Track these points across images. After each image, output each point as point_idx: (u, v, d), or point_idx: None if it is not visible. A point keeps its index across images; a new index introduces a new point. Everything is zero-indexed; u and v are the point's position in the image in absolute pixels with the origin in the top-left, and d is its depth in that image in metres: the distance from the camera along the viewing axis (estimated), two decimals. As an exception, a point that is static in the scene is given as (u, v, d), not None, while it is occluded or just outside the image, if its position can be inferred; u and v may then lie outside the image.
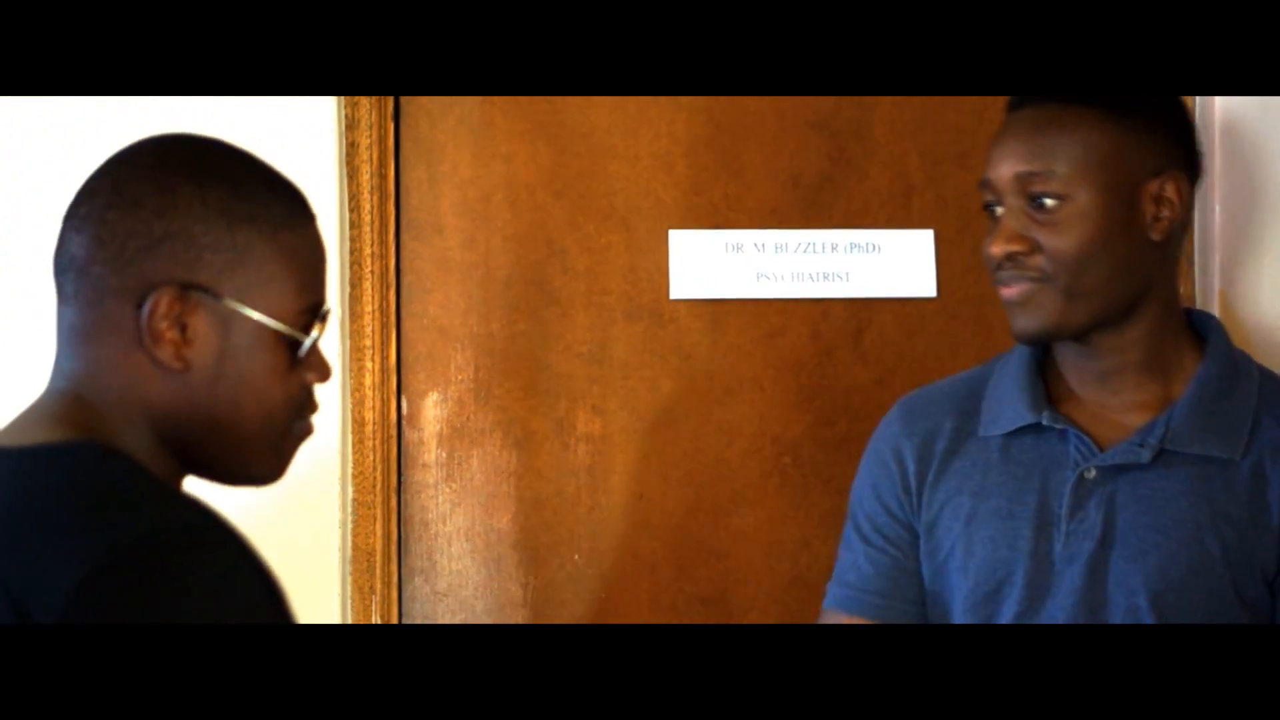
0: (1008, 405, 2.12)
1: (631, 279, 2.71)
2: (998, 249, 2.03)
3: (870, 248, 2.70)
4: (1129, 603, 2.02)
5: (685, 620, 2.69)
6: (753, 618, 2.69)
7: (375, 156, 2.63)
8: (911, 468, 2.16)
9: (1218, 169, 2.57)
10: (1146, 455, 2.04)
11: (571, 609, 2.70)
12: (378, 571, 2.61)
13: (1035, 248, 2.02)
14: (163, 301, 1.51)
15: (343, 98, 2.61)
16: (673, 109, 2.71)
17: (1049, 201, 2.02)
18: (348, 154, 2.62)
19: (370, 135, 2.63)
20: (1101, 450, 2.06)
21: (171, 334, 1.52)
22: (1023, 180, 2.03)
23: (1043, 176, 2.02)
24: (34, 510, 1.45)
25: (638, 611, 2.70)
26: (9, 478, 1.49)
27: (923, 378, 2.50)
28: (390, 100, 2.66)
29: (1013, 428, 2.11)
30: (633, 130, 2.71)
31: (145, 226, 1.52)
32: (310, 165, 2.53)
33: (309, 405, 1.61)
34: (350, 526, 2.61)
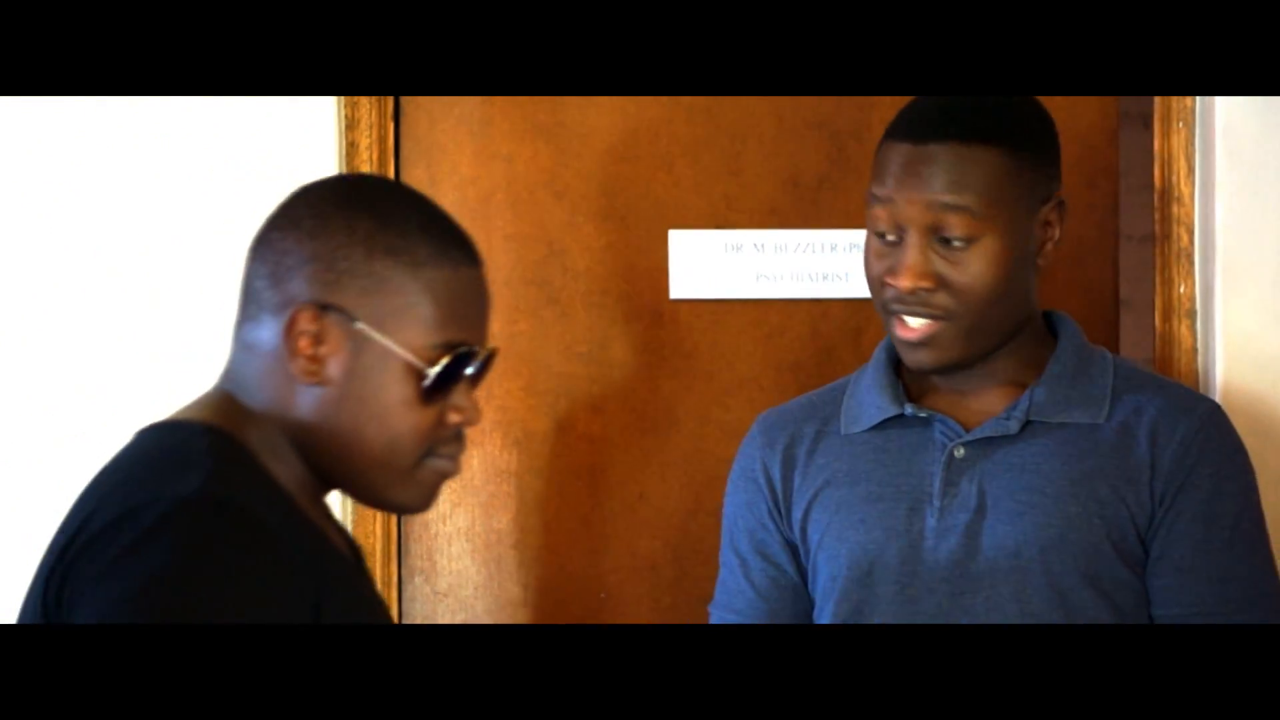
0: (868, 404, 2.17)
1: (631, 279, 2.71)
2: (906, 282, 2.05)
3: (870, 248, 2.70)
4: (1012, 564, 2.06)
5: (685, 620, 2.69)
6: (753, 618, 2.69)
7: (375, 156, 2.63)
8: (777, 474, 2.20)
9: (1218, 169, 2.57)
10: (1015, 426, 2.09)
11: (571, 609, 2.70)
12: (378, 571, 2.61)
13: (941, 284, 2.05)
14: (302, 317, 1.58)
15: (343, 98, 2.61)
16: (673, 109, 2.71)
17: (957, 240, 2.04)
18: (348, 154, 2.62)
19: (370, 135, 2.63)
20: (967, 432, 2.11)
21: (307, 349, 1.58)
22: (936, 213, 2.04)
23: (957, 211, 2.03)
24: (120, 466, 1.56)
25: (638, 611, 2.70)
26: (135, 440, 1.60)
27: (923, 378, 2.50)
28: (390, 100, 2.66)
29: (875, 422, 2.15)
30: (633, 130, 2.71)
31: (298, 246, 1.60)
32: (310, 165, 2.53)
33: (449, 443, 1.65)
34: (350, 526, 2.61)
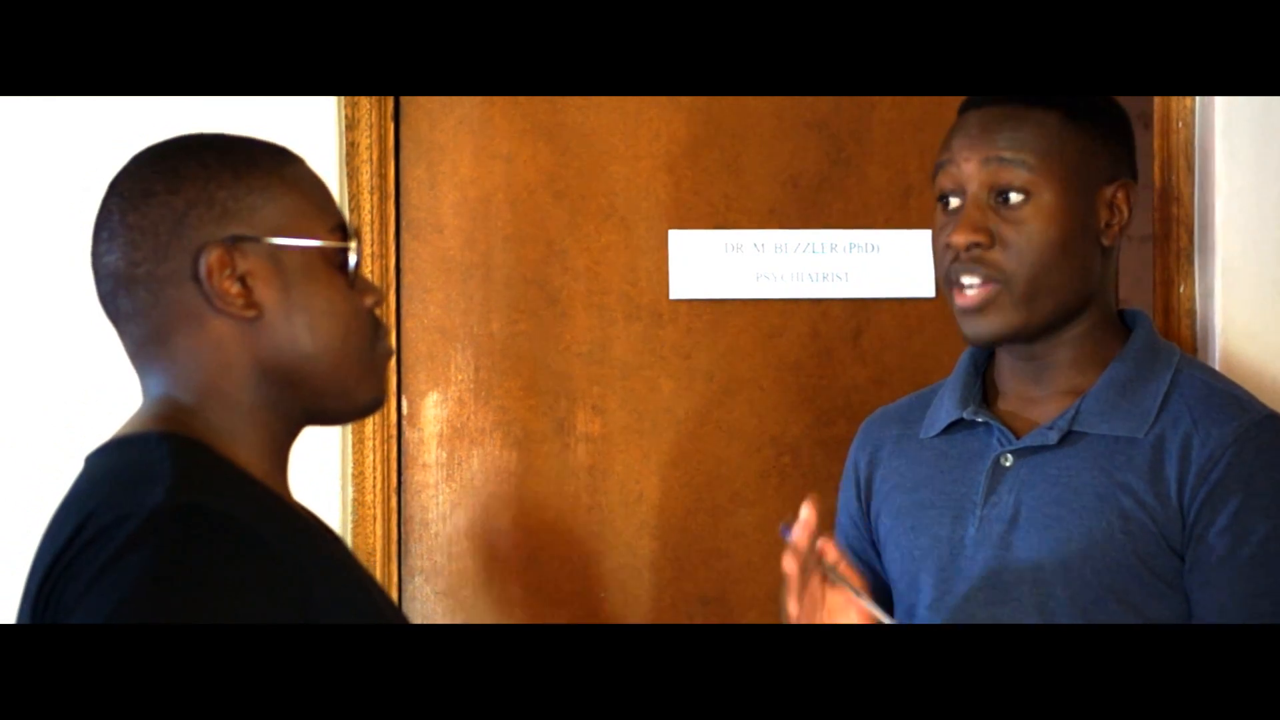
0: (942, 408, 2.18)
1: (631, 279, 2.71)
2: (961, 238, 2.05)
3: (869, 248, 2.71)
4: (1035, 576, 2.06)
5: (685, 620, 2.69)
6: (752, 618, 2.69)
7: (375, 156, 2.63)
8: (863, 474, 2.24)
9: (1218, 169, 2.57)
10: (1054, 437, 2.08)
11: (571, 609, 2.70)
12: (378, 571, 2.61)
13: (996, 241, 2.04)
14: (213, 259, 1.56)
15: (343, 98, 2.61)
16: (673, 109, 2.71)
17: (1014, 196, 2.04)
18: (348, 154, 2.62)
19: (370, 135, 2.63)
20: (1018, 439, 2.11)
21: (233, 286, 1.57)
22: (991, 169, 2.05)
23: (1012, 166, 2.04)
24: (89, 487, 1.54)
25: (638, 611, 2.70)
26: (95, 461, 1.58)
27: (921, 378, 2.51)
28: (390, 100, 2.66)
29: (943, 426, 2.16)
30: (633, 130, 2.71)
31: (166, 208, 1.57)
32: (310, 165, 2.53)
33: (378, 327, 1.65)
34: (350, 526, 2.61)
